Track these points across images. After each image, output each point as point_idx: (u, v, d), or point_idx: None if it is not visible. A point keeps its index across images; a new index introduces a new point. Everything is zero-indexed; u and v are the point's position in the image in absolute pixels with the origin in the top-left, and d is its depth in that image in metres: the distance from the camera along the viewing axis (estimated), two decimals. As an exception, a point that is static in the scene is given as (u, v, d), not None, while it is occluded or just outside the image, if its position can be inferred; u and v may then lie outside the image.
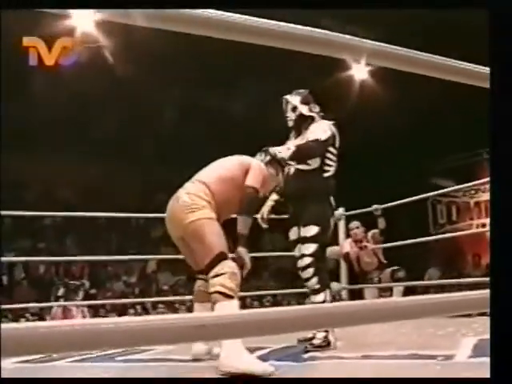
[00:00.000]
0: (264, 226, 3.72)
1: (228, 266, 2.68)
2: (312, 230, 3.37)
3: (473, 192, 11.65)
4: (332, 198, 3.53)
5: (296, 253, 3.49)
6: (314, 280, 3.32)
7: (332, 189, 3.54)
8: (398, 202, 5.28)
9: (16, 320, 7.18)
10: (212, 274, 2.67)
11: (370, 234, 6.03)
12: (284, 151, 3.31)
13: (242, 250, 2.87)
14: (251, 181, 2.97)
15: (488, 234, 7.78)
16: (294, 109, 3.54)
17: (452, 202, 12.07)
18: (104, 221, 10.85)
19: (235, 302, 2.62)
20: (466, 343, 2.73)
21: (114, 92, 8.68)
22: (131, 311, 8.25)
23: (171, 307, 8.73)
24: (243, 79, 8.23)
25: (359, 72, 9.54)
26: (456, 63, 1.07)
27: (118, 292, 9.62)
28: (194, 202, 2.81)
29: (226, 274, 2.64)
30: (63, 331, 0.59)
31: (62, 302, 7.37)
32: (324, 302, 3.29)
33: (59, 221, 10.83)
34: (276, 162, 3.25)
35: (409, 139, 10.28)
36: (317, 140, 3.40)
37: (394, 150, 10.64)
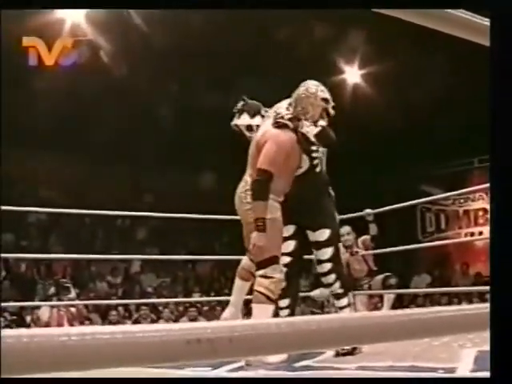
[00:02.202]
0: None
1: (278, 271, 2.90)
2: (324, 234, 3.26)
3: (462, 201, 11.60)
4: (330, 188, 3.41)
5: (283, 251, 3.25)
6: (337, 285, 3.26)
7: (327, 179, 3.42)
8: (389, 207, 5.18)
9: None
10: (261, 272, 2.87)
11: (360, 239, 5.90)
12: (311, 128, 3.10)
13: (253, 235, 2.88)
14: (260, 162, 2.95)
15: (476, 243, 7.77)
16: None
17: (441, 210, 12.01)
18: (89, 220, 10.67)
19: (272, 307, 2.90)
20: (466, 355, 2.61)
21: (108, 92, 8.55)
22: (113, 313, 8.05)
23: (155, 309, 8.55)
24: (242, 79, 8.13)
25: (352, 76, 9.48)
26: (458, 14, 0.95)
27: (101, 292, 9.42)
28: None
29: (275, 279, 2.86)
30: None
31: (43, 302, 7.17)
32: (348, 305, 3.27)
33: (43, 218, 10.63)
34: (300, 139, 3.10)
35: (401, 145, 10.22)
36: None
37: (387, 154, 10.57)
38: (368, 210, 5.22)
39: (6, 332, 0.47)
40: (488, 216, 11.12)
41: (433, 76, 8.73)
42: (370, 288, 5.85)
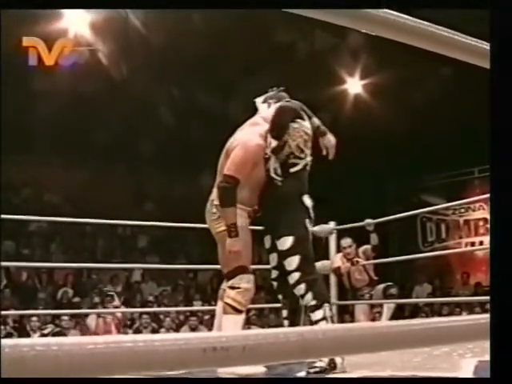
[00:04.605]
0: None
1: (246, 281, 2.85)
2: (287, 242, 3.02)
3: (462, 210, 11.63)
4: (306, 197, 3.14)
5: (270, 264, 3.23)
6: (309, 296, 2.98)
7: (302, 186, 3.15)
8: (390, 217, 5.22)
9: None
10: (229, 284, 2.87)
11: (361, 249, 5.93)
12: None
13: (227, 241, 2.87)
14: (226, 167, 2.92)
15: (477, 252, 7.78)
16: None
17: (441, 220, 12.04)
18: (90, 228, 10.69)
19: (241, 317, 2.84)
20: (465, 365, 2.64)
21: (108, 95, 8.58)
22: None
23: (156, 318, 8.56)
24: (243, 80, 8.16)
25: (353, 86, 9.54)
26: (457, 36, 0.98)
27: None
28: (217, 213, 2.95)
29: (241, 289, 2.82)
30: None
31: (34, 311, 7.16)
32: (324, 319, 2.97)
33: (45, 227, 10.65)
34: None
35: (401, 155, 10.26)
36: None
37: (387, 165, 10.62)
38: (369, 220, 5.24)
39: (37, 340, 0.51)
40: (488, 226, 11.14)
41: (434, 86, 8.78)
42: (371, 298, 5.88)
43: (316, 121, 3.29)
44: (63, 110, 8.75)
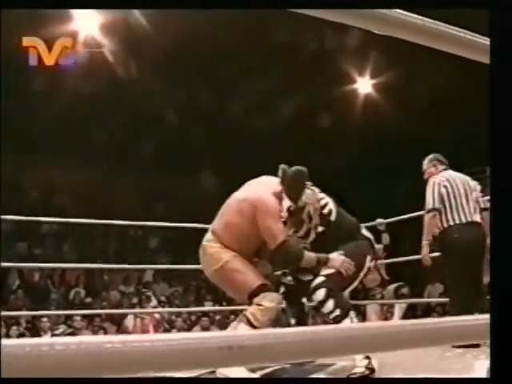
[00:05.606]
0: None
1: (269, 299, 2.85)
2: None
3: (474, 210, 11.53)
4: (364, 230, 3.11)
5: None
6: (330, 304, 2.75)
7: (346, 226, 3.04)
8: (401, 217, 5.21)
9: (8, 328, 7.07)
10: (254, 301, 2.87)
11: (372, 249, 5.91)
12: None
13: (330, 256, 2.88)
14: (273, 239, 2.88)
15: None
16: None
17: (453, 220, 11.95)
18: (102, 229, 10.75)
19: None
20: (479, 366, 2.62)
21: (113, 96, 8.61)
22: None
23: (167, 319, 8.58)
24: (243, 80, 8.15)
25: (364, 86, 9.51)
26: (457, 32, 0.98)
27: (113, 301, 9.47)
28: (213, 252, 2.97)
29: (262, 307, 2.82)
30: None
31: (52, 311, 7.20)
32: (333, 311, 2.79)
33: (56, 227, 10.73)
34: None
35: (413, 154, 10.21)
36: None
37: (398, 164, 10.57)
38: (380, 220, 5.24)
39: (56, 340, 0.51)
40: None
41: (445, 85, 8.75)
42: (382, 298, 5.86)
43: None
44: (64, 110, 8.77)
